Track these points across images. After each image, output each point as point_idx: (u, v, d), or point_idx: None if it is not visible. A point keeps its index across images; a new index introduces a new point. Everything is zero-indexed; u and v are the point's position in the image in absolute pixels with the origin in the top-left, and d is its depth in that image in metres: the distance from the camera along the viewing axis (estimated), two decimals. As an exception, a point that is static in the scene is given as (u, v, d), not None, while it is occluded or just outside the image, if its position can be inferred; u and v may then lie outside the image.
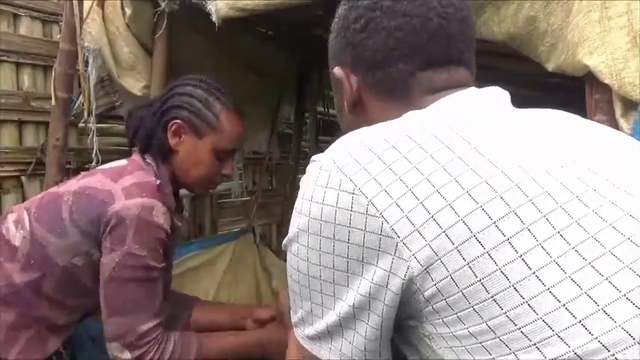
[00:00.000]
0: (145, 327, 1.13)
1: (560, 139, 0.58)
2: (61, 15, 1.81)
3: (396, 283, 0.52)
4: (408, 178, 0.51)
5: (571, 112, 0.68)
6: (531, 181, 0.50)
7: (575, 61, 1.03)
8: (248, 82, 2.29)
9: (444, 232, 0.49)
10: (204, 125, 1.24)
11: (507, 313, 0.47)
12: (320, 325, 0.59)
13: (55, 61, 1.78)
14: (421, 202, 0.50)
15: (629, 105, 0.99)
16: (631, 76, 0.96)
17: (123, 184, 1.14)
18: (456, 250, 0.49)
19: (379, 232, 0.51)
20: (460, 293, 0.49)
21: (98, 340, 1.60)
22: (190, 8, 1.53)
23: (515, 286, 0.47)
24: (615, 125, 1.02)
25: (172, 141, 1.24)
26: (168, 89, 1.30)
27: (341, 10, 0.70)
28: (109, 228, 1.11)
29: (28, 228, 1.17)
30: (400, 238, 0.50)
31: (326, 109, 3.30)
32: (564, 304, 0.46)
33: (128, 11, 1.69)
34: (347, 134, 0.60)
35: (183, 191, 1.40)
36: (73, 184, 1.21)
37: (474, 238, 0.48)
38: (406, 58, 0.64)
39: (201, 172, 1.26)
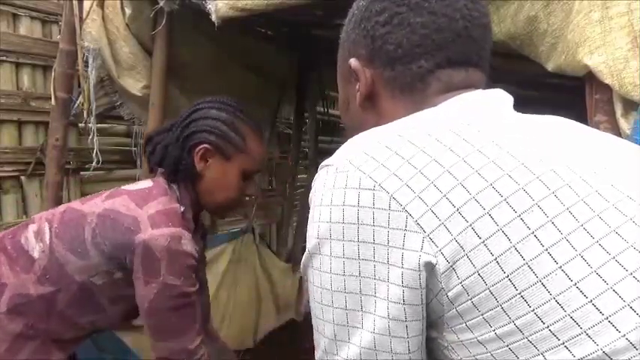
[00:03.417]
0: (192, 345, 1.18)
1: (569, 137, 0.58)
2: (61, 15, 1.81)
3: (423, 283, 0.49)
4: (428, 172, 0.50)
5: (571, 112, 0.68)
6: (552, 174, 0.50)
7: (575, 61, 1.03)
8: (248, 82, 2.29)
9: (470, 225, 0.47)
10: (231, 148, 1.23)
11: (535, 311, 0.46)
12: (348, 351, 0.53)
13: (55, 61, 1.78)
14: (445, 195, 0.48)
15: (630, 105, 0.99)
16: (631, 76, 0.96)
17: (148, 212, 1.14)
18: (482, 245, 0.47)
19: (404, 228, 0.49)
20: (487, 291, 0.47)
21: (99, 341, 1.60)
22: (190, 8, 1.53)
23: (542, 281, 0.46)
24: (615, 125, 1.02)
25: (199, 165, 1.23)
26: (190, 112, 1.28)
27: (362, 0, 0.69)
28: (138, 258, 1.11)
29: (47, 242, 1.16)
30: (426, 233, 0.48)
31: (326, 110, 3.30)
32: (591, 300, 0.45)
33: (128, 11, 1.70)
34: (355, 136, 0.58)
35: None
36: (97, 204, 1.20)
37: (500, 231, 0.47)
38: (428, 55, 0.63)
39: (229, 194, 1.26)
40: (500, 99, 0.63)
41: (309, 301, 0.59)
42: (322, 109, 3.26)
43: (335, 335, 0.54)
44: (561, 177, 0.50)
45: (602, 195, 0.49)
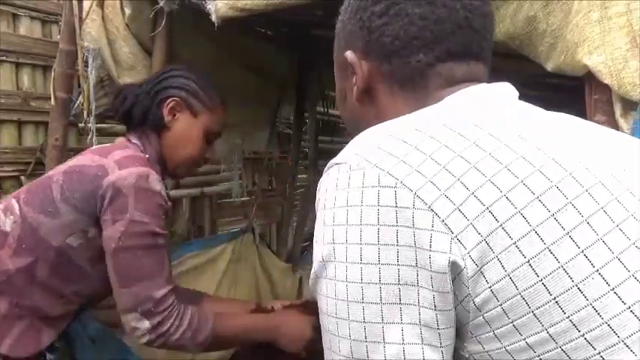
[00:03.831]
0: (160, 293, 1.13)
1: (590, 134, 0.56)
2: (61, 15, 1.81)
3: (451, 286, 0.46)
4: (454, 168, 0.46)
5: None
6: (584, 170, 0.47)
7: (574, 61, 1.03)
8: (248, 82, 2.29)
9: (501, 225, 0.44)
10: (200, 105, 1.30)
11: (571, 318, 0.43)
12: None
13: (55, 61, 1.78)
14: (472, 193, 0.45)
15: (629, 105, 1.00)
16: (630, 76, 0.96)
17: (114, 158, 1.16)
18: (514, 246, 0.44)
19: (430, 228, 0.45)
20: (519, 296, 0.44)
21: (98, 341, 1.60)
22: (190, 8, 1.53)
23: (578, 285, 0.43)
24: (615, 125, 1.02)
25: (167, 118, 1.28)
26: (162, 72, 1.35)
27: None
28: (107, 200, 1.11)
29: (17, 212, 1.17)
30: (454, 234, 0.45)
31: (326, 110, 3.30)
32: (629, 307, 0.43)
33: (128, 11, 1.69)
34: (364, 131, 0.54)
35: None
36: (61, 166, 1.23)
37: (533, 232, 0.44)
38: (427, 48, 0.59)
39: (190, 151, 1.30)
40: (507, 93, 0.60)
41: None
42: (322, 109, 3.25)
43: (352, 353, 0.48)
44: (593, 174, 0.47)
45: (633, 194, 0.47)
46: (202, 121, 1.30)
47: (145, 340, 1.14)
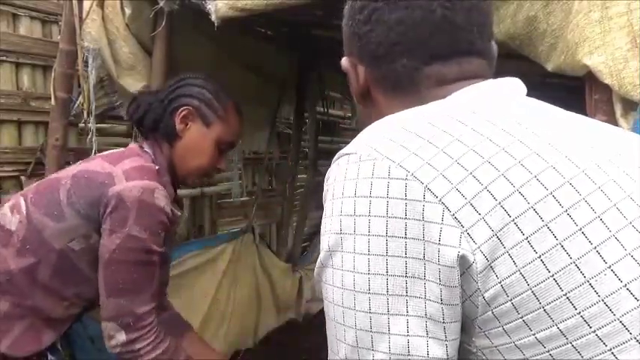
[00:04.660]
0: (142, 310, 1.15)
1: (599, 131, 0.56)
2: (61, 15, 1.81)
3: (459, 281, 0.46)
4: (466, 162, 0.46)
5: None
6: (597, 168, 0.47)
7: (575, 61, 1.03)
8: (248, 82, 2.30)
9: (513, 220, 0.44)
10: (213, 115, 1.28)
11: (582, 313, 0.43)
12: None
13: (55, 61, 1.78)
14: (485, 187, 0.45)
15: (629, 105, 1.00)
16: (631, 76, 0.96)
17: (123, 167, 1.16)
18: (526, 241, 0.44)
19: (440, 222, 0.45)
20: (529, 291, 0.44)
21: (97, 341, 1.60)
22: (190, 8, 1.53)
23: (590, 281, 0.43)
24: (615, 125, 1.02)
25: (179, 127, 1.27)
26: (178, 80, 1.34)
27: None
28: (109, 209, 1.12)
29: (24, 212, 1.17)
30: (464, 228, 0.44)
31: (326, 110, 3.30)
32: None
33: (128, 11, 1.69)
34: (375, 123, 0.54)
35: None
36: (71, 169, 1.23)
37: (545, 227, 0.44)
38: (409, 53, 0.59)
39: (201, 161, 1.29)
40: (515, 89, 0.60)
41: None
42: (322, 109, 3.26)
43: (357, 342, 0.48)
44: (605, 171, 0.47)
45: None
46: (215, 131, 1.28)
47: (116, 350, 1.16)
